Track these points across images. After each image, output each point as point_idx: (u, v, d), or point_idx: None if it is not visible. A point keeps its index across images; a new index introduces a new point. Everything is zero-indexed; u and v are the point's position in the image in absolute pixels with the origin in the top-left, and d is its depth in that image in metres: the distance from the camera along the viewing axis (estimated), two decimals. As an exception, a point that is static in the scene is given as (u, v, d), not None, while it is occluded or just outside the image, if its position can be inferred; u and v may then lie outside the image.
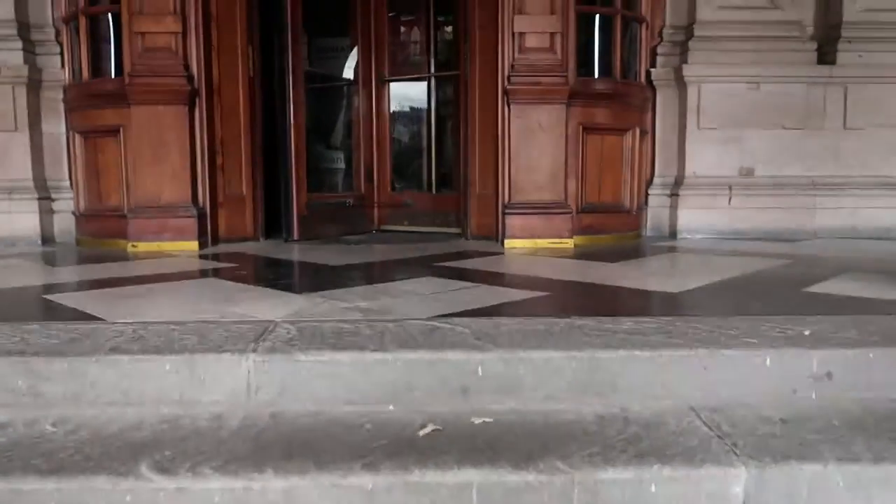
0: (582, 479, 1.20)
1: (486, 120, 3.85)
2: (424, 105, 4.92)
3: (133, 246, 3.59)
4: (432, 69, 4.82)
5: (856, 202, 4.11)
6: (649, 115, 4.22)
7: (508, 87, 3.62)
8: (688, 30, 4.14)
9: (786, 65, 4.04)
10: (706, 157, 4.12)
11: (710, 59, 4.05)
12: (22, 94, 3.99)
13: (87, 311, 1.92)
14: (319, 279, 2.68)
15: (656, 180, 4.28)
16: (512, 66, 3.64)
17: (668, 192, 4.24)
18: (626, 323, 1.73)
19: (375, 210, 4.69)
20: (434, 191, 4.78)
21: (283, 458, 1.25)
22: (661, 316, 1.80)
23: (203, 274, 2.81)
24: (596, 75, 4.06)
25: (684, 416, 1.43)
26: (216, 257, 3.41)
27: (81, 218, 3.99)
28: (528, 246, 3.61)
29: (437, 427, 1.37)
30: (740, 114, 4.09)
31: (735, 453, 1.27)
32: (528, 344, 1.56)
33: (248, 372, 1.48)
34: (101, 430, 1.37)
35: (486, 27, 3.78)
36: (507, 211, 3.68)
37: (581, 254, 3.41)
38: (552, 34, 3.62)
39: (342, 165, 5.32)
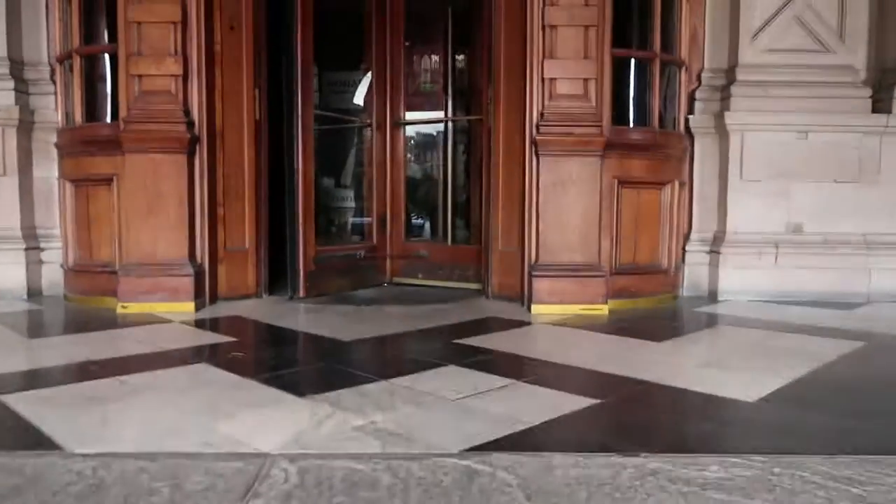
0: None
1: (510, 171, 3.52)
2: (441, 150, 4.62)
3: (123, 307, 3.26)
4: (450, 112, 4.53)
5: (915, 263, 3.75)
6: (687, 165, 3.88)
7: (538, 136, 3.29)
8: (729, 73, 3.82)
9: (837, 113, 3.70)
10: (750, 211, 3.77)
11: (754, 106, 3.72)
12: (12, 136, 3.72)
13: (44, 431, 1.58)
14: (326, 368, 2.32)
15: (694, 235, 3.93)
16: (542, 115, 3.32)
17: (707, 248, 3.88)
18: (712, 467, 1.38)
19: (388, 261, 4.35)
20: (451, 242, 4.45)
21: None
22: (751, 455, 1.44)
23: (194, 355, 2.47)
24: (631, 124, 3.73)
25: None
26: (213, 324, 3.07)
27: (70, 272, 3.67)
28: (557, 312, 3.25)
29: None
30: (787, 165, 3.75)
31: None
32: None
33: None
34: None
35: (512, 71, 3.48)
36: (534, 273, 3.33)
37: (618, 324, 3.05)
38: (586, 80, 3.30)
39: (352, 204, 5.03)
